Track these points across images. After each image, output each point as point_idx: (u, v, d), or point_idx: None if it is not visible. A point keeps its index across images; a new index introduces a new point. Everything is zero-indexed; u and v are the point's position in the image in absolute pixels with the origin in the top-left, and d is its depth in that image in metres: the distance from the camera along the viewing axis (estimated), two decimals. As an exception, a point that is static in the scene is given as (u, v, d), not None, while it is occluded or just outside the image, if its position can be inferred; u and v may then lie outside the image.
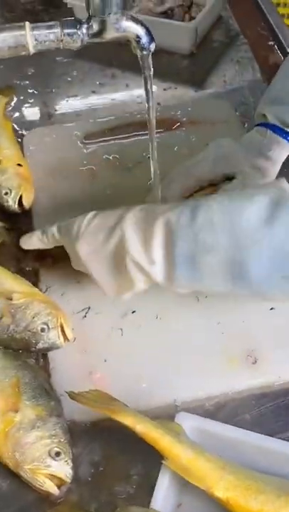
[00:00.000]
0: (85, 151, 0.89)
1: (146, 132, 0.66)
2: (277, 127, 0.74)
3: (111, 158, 0.87)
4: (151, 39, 0.52)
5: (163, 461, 0.51)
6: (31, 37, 0.50)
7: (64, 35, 0.50)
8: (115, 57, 1.01)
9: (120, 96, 0.98)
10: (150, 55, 0.53)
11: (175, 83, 1.00)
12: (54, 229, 0.66)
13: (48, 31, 0.50)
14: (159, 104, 0.95)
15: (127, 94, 0.98)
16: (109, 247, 0.59)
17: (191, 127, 0.90)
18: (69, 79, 1.01)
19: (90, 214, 0.62)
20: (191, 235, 0.54)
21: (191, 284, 0.57)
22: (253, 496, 0.49)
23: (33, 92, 0.99)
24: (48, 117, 0.96)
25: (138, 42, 0.52)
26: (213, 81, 1.01)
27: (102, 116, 0.94)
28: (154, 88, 0.98)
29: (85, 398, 0.56)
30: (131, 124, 0.90)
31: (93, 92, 0.99)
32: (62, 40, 0.50)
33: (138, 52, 0.53)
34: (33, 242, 0.68)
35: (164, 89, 0.98)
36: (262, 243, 0.51)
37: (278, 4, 1.36)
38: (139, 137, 0.88)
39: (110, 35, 0.52)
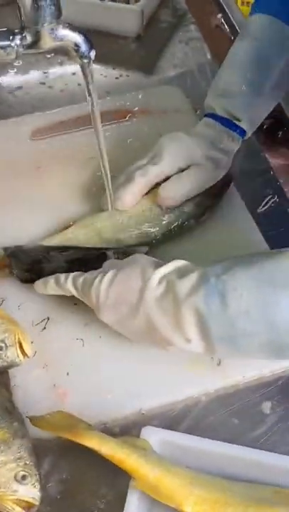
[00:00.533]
0: (35, 147, 0.86)
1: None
2: (225, 119, 0.73)
3: (62, 154, 0.84)
4: (91, 46, 0.50)
5: (131, 482, 0.51)
6: None
7: (-4, 48, 0.47)
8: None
9: (69, 86, 0.95)
10: (91, 63, 0.51)
11: (123, 69, 0.97)
12: (69, 283, 0.62)
13: (-22, 44, 0.47)
14: (108, 92, 0.92)
15: (75, 83, 0.95)
16: (136, 324, 0.57)
17: (143, 117, 0.88)
18: (14, 70, 0.97)
19: (104, 283, 0.59)
20: (226, 322, 0.53)
21: (233, 355, 0.57)
22: (221, 509, 0.49)
23: (-24, 85, 0.95)
24: (-7, 112, 0.92)
25: (77, 50, 0.49)
26: (163, 65, 0.98)
27: (51, 108, 0.91)
28: (104, 76, 0.96)
29: (47, 423, 0.54)
30: (81, 117, 0.87)
31: (40, 83, 0.95)
32: (-5, 54, 0.47)
33: (77, 61, 0.50)
34: (47, 290, 0.65)
35: (108, 77, 0.95)
36: None
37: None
38: (91, 129, 0.86)
39: (47, 45, 0.49)
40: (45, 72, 0.97)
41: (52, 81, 0.96)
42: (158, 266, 0.58)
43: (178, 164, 0.73)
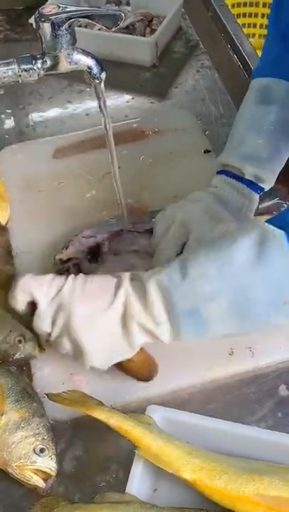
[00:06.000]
0: (56, 165, 0.94)
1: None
2: (253, 184, 0.76)
3: (80, 170, 0.92)
4: (102, 69, 0.58)
5: (135, 450, 0.57)
6: (-9, 74, 0.55)
7: (21, 70, 0.55)
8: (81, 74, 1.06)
9: (88, 111, 1.04)
10: (102, 83, 0.58)
11: (139, 95, 1.05)
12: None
13: (6, 68, 0.55)
14: (126, 116, 1.01)
15: (94, 109, 1.03)
16: (110, 314, 0.60)
17: (156, 137, 0.96)
18: (39, 96, 1.06)
19: (80, 279, 0.62)
20: (188, 290, 0.57)
21: (199, 336, 0.60)
22: (217, 476, 0.54)
23: (5, 110, 1.04)
24: (20, 134, 1.01)
25: (90, 72, 0.57)
26: (176, 91, 1.06)
27: (72, 131, 0.99)
28: (122, 101, 1.04)
29: (63, 398, 0.61)
30: (97, 138, 0.95)
31: (62, 108, 1.04)
32: (20, 75, 0.56)
33: (91, 81, 0.58)
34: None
35: (127, 102, 1.04)
36: (258, 282, 0.56)
37: (238, 15, 1.41)
38: (106, 148, 0.93)
39: (64, 67, 0.57)
40: (68, 100, 1.06)
41: (73, 107, 1.05)
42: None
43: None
